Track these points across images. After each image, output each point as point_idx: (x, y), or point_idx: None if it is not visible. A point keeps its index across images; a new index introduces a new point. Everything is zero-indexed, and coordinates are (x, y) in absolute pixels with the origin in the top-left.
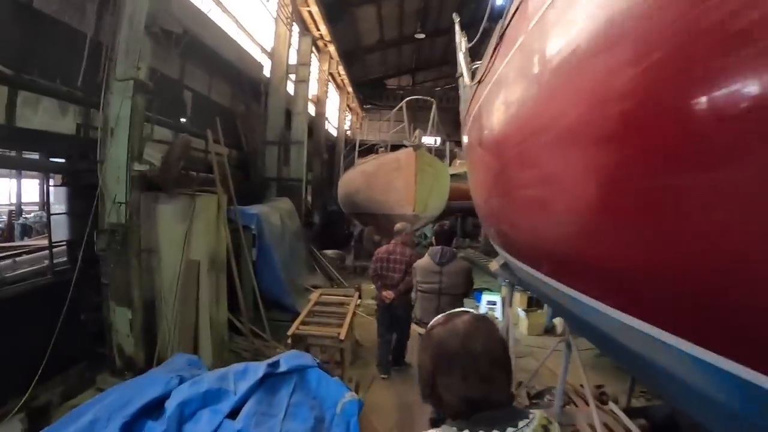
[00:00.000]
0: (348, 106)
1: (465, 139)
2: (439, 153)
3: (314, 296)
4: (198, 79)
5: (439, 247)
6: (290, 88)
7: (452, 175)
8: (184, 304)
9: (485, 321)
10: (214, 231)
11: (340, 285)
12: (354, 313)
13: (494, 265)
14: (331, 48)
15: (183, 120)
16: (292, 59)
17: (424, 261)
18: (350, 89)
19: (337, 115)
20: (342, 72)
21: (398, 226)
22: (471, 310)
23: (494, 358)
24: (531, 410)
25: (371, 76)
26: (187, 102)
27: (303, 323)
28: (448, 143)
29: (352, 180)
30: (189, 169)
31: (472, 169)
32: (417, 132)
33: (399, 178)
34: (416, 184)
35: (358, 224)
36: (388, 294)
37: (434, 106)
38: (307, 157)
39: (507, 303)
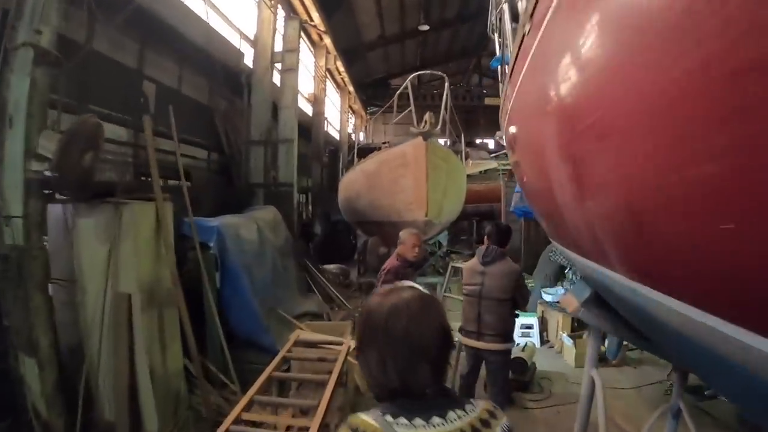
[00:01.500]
0: (350, 107)
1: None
2: None
3: (291, 339)
4: (163, 69)
5: (487, 245)
6: (277, 80)
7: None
8: (115, 353)
9: (424, 301)
10: (151, 253)
11: (342, 306)
12: (342, 369)
13: (571, 302)
14: (327, 41)
15: (146, 117)
16: (279, 47)
17: (470, 262)
18: (351, 88)
19: (338, 117)
20: (341, 69)
21: (403, 234)
22: (418, 287)
23: (417, 347)
24: (473, 400)
25: (375, 76)
26: (150, 95)
27: (250, 405)
28: (462, 142)
29: (352, 182)
30: (142, 174)
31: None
32: (427, 115)
33: (406, 176)
34: (428, 183)
35: (362, 235)
36: None
37: (446, 84)
38: (306, 162)
39: (591, 359)
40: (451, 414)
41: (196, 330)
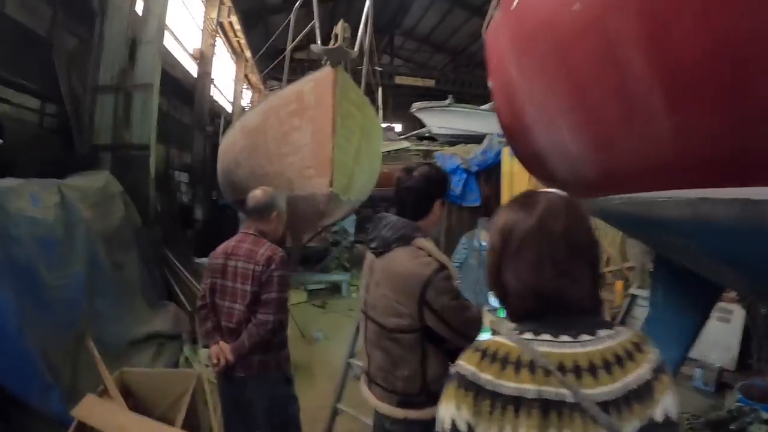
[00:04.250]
0: (246, 77)
1: None
2: None
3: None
4: None
5: (384, 218)
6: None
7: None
8: None
9: (572, 201)
10: None
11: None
12: None
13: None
14: None
15: None
16: None
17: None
18: (249, 55)
19: (232, 87)
20: (238, 29)
21: (255, 195)
22: (556, 191)
23: (576, 245)
24: (618, 325)
25: (278, 47)
26: None
27: None
28: (379, 95)
29: (229, 148)
30: None
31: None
32: (339, 25)
33: (302, 128)
34: (334, 137)
35: (243, 218)
36: (220, 352)
37: None
38: (187, 132)
39: None
40: (601, 332)
41: None
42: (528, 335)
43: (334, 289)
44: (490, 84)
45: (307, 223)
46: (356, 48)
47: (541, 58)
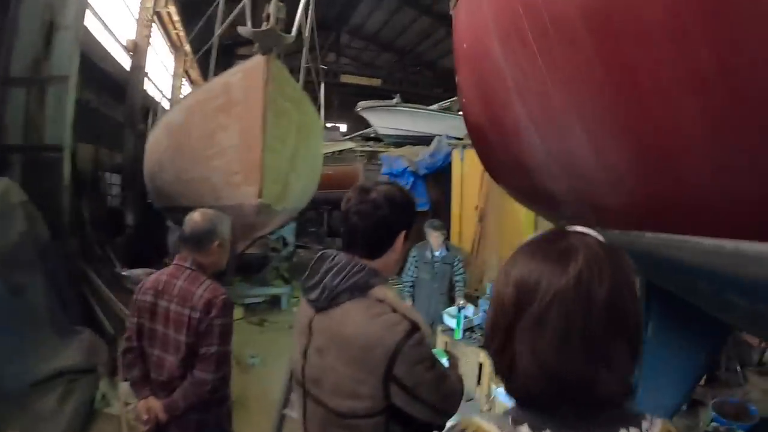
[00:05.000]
0: (186, 72)
1: None
2: None
3: None
4: None
5: (327, 257)
6: None
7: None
8: None
9: (617, 252)
10: None
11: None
12: None
13: None
14: None
15: None
16: None
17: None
18: (189, 49)
19: (170, 83)
20: (176, 20)
21: (193, 220)
22: (591, 233)
23: (620, 316)
24: (648, 415)
25: (225, 41)
26: None
27: None
28: (321, 90)
29: (154, 148)
30: None
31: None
32: (273, 3)
33: (229, 127)
34: (264, 136)
35: (172, 227)
36: (150, 410)
37: None
38: (118, 130)
39: None
40: None
41: None
42: (524, 428)
43: (274, 302)
44: (457, 76)
45: (236, 236)
46: (293, 32)
47: (558, 33)
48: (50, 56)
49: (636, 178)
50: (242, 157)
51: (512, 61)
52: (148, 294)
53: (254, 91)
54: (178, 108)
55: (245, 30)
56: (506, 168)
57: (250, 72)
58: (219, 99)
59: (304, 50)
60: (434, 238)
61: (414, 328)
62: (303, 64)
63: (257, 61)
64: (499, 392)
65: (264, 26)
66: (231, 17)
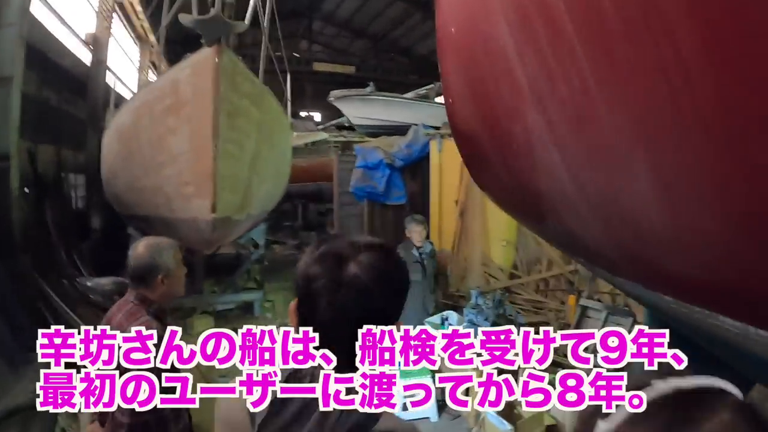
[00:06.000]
0: (152, 63)
1: None
2: None
3: None
4: None
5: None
6: None
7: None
8: None
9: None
10: None
11: None
12: None
13: None
14: None
15: None
16: None
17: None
18: (154, 39)
19: (136, 76)
20: (138, 9)
21: (136, 252)
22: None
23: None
24: None
25: (188, 32)
26: None
27: None
28: (287, 81)
29: (106, 153)
30: None
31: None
32: None
33: (179, 131)
34: (216, 141)
35: (134, 234)
36: None
37: None
38: (79, 128)
39: None
40: None
41: None
42: None
43: (246, 308)
44: (441, 67)
45: (196, 249)
46: (247, 20)
47: (621, 11)
48: None
49: (731, 252)
50: (193, 166)
51: (530, 51)
52: (102, 325)
53: (202, 90)
54: (125, 109)
55: (187, 18)
56: (505, 190)
57: (197, 67)
58: (167, 99)
59: (264, 39)
60: (417, 233)
61: None
62: (263, 54)
63: (206, 54)
64: (491, 415)
65: (214, 15)
66: (178, 3)
